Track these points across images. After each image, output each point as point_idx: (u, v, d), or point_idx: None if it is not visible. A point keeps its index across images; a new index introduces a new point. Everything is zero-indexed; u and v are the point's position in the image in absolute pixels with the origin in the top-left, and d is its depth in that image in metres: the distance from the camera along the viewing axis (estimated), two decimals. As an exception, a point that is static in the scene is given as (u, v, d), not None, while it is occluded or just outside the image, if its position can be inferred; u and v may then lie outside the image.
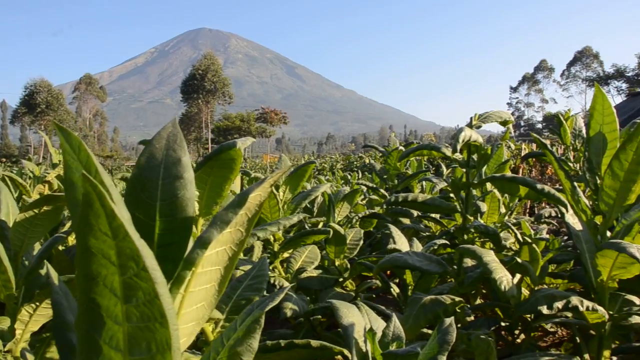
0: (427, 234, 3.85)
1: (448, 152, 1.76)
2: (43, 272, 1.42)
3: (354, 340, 1.06)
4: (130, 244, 0.49)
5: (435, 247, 2.53)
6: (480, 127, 1.70)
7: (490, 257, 1.59)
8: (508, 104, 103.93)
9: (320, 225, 3.34)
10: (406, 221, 3.93)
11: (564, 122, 3.29)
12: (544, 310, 1.60)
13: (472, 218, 1.90)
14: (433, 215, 3.95)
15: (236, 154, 1.34)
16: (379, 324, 1.20)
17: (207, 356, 0.69)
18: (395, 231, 2.48)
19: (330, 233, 2.18)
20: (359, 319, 1.13)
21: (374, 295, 3.39)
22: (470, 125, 1.72)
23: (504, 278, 1.52)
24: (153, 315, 0.52)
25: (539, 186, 1.67)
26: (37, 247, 1.54)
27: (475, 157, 1.79)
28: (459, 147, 1.51)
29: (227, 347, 0.69)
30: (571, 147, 3.29)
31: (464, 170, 1.85)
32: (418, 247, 2.51)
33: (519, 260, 1.86)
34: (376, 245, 3.94)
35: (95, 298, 0.54)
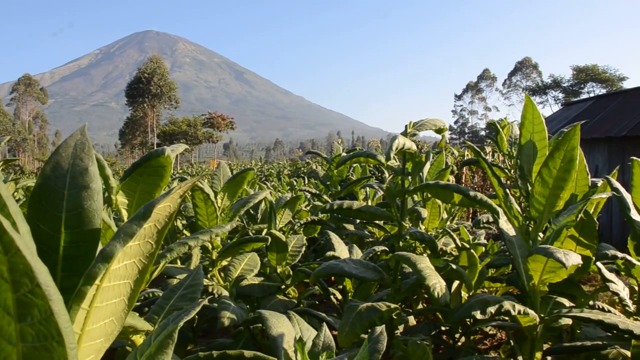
0: (371, 239, 3.88)
1: (383, 159, 1.78)
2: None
3: (283, 350, 1.05)
4: (23, 260, 0.46)
5: (377, 253, 2.55)
6: (415, 134, 1.72)
7: (424, 263, 1.61)
8: (453, 111, 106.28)
9: (264, 233, 3.31)
10: (350, 227, 3.95)
11: (501, 130, 3.38)
12: (478, 315, 1.62)
13: (407, 225, 1.92)
14: (377, 221, 4.00)
15: (166, 161, 1.31)
16: (311, 334, 1.20)
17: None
18: (334, 238, 2.48)
19: (268, 240, 2.16)
20: (289, 329, 1.12)
21: (317, 302, 3.38)
22: (405, 133, 1.73)
23: (438, 284, 1.54)
24: (50, 333, 0.49)
25: (471, 193, 1.70)
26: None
27: (410, 164, 1.81)
28: (392, 155, 1.52)
29: (141, 363, 0.66)
30: (507, 155, 3.38)
31: (400, 177, 1.87)
32: (358, 253, 2.52)
33: (453, 266, 1.89)
34: (320, 251, 3.94)
35: (-13, 316, 0.50)
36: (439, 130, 1.82)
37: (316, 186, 5.84)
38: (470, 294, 2.07)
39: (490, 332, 3.01)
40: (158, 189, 1.37)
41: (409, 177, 1.80)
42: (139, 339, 1.40)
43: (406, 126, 1.75)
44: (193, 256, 2.51)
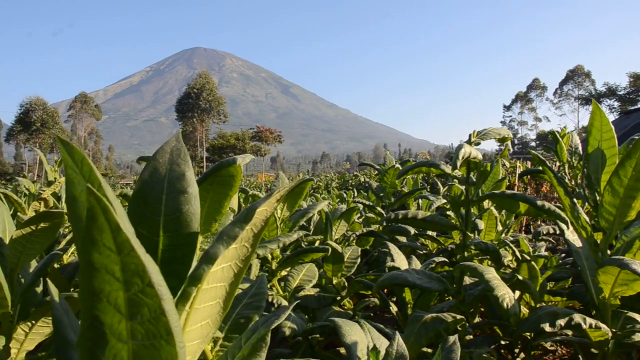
0: (424, 252, 3.84)
1: (447, 169, 1.76)
2: (39, 290, 1.40)
3: (357, 359, 1.04)
4: (136, 259, 0.48)
5: (434, 265, 2.52)
6: (479, 144, 1.70)
7: (491, 274, 1.58)
8: (502, 122, 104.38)
9: (317, 244, 3.32)
10: (403, 239, 3.91)
11: (560, 139, 3.30)
12: (547, 328, 1.58)
13: (472, 235, 1.89)
14: (430, 232, 3.95)
15: (235, 171, 1.33)
16: (382, 342, 1.19)
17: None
18: (393, 249, 2.46)
19: (329, 251, 2.16)
20: (361, 337, 1.12)
21: (372, 314, 3.36)
22: (469, 142, 1.71)
23: (507, 295, 1.51)
24: (159, 332, 0.50)
25: (539, 203, 1.67)
26: (34, 264, 1.52)
27: (474, 174, 1.78)
28: (459, 164, 1.50)
29: (231, 365, 0.67)
30: (567, 165, 3.29)
31: (463, 187, 1.84)
32: (417, 264, 2.50)
33: (520, 277, 1.85)
34: (373, 263, 3.92)
35: (98, 315, 0.52)
36: (502, 140, 1.79)
37: (367, 198, 5.81)
38: (537, 306, 2.01)
39: (550, 348, 2.92)
40: (227, 198, 1.39)
41: (471, 187, 1.78)
42: (206, 346, 1.42)
43: (470, 135, 1.73)
44: (252, 266, 2.53)
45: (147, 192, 0.62)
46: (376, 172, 4.36)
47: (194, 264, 0.63)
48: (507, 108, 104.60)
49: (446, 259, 2.49)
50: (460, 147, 1.54)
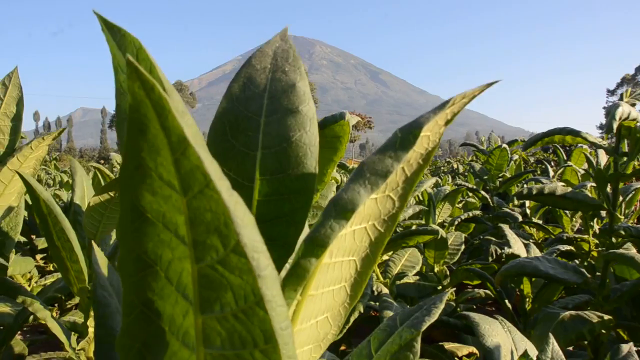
0: (532, 241, 3.50)
1: (590, 137, 1.45)
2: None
3: (502, 368, 0.79)
4: (214, 204, 0.26)
5: (557, 253, 2.20)
6: (634, 105, 1.38)
7: (654, 266, 1.27)
8: (604, 107, 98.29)
9: (413, 228, 3.07)
10: (505, 227, 3.60)
11: None
12: None
13: (621, 217, 1.56)
14: (536, 220, 3.59)
15: (343, 130, 1.10)
16: (526, 346, 0.93)
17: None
18: (510, 234, 2.17)
19: (439, 234, 1.90)
20: (504, 338, 0.86)
21: (474, 307, 3.07)
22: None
23: (675, 294, 1.20)
24: (251, 335, 0.28)
25: None
26: (114, 236, 1.37)
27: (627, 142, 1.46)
28: (615, 126, 1.20)
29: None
30: None
31: (609, 158, 1.53)
32: (536, 252, 2.19)
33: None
34: (474, 251, 3.64)
35: (152, 301, 0.31)
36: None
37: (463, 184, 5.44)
38: None
39: None
40: (331, 164, 1.17)
41: (622, 159, 1.45)
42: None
43: (622, 95, 1.42)
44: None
45: (237, 113, 0.40)
46: (480, 152, 4.02)
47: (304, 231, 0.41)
48: (611, 92, 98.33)
49: (572, 248, 2.17)
50: (616, 105, 1.24)
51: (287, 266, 0.35)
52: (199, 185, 0.26)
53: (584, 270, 1.48)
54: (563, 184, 3.37)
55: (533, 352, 0.87)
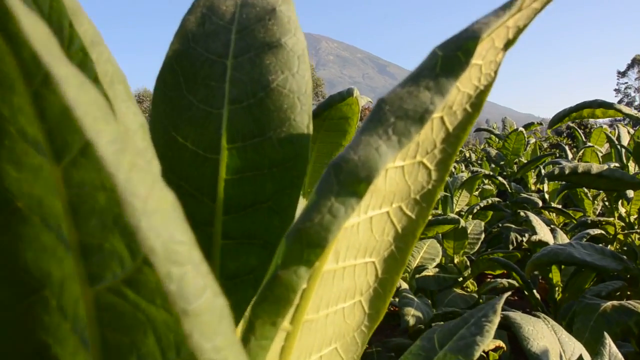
0: (551, 227, 3.38)
1: (626, 109, 1.32)
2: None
3: (553, 378, 0.66)
4: (104, 172, 0.13)
5: (588, 238, 2.06)
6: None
7: None
8: (616, 90, 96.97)
9: (431, 217, 2.94)
10: (522, 214, 3.48)
11: None
12: None
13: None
14: (555, 205, 3.47)
15: (351, 110, 0.97)
16: (575, 347, 0.79)
17: None
18: (535, 220, 2.04)
19: (460, 223, 1.78)
20: (551, 341, 0.73)
21: (496, 297, 2.93)
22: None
23: None
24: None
25: None
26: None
27: (668, 112, 1.32)
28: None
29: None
30: None
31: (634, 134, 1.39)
32: (563, 238, 2.05)
33: None
34: (493, 240, 3.52)
35: (46, 346, 0.18)
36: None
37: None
38: None
39: None
40: (339, 149, 1.04)
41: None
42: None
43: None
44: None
45: (193, 57, 0.27)
46: (496, 137, 3.89)
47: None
48: (622, 74, 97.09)
49: (602, 232, 2.03)
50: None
51: (267, 277, 0.22)
52: (79, 142, 0.14)
53: (623, 256, 1.34)
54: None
55: (584, 354, 0.74)
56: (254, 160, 0.26)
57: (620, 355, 0.73)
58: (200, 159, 0.27)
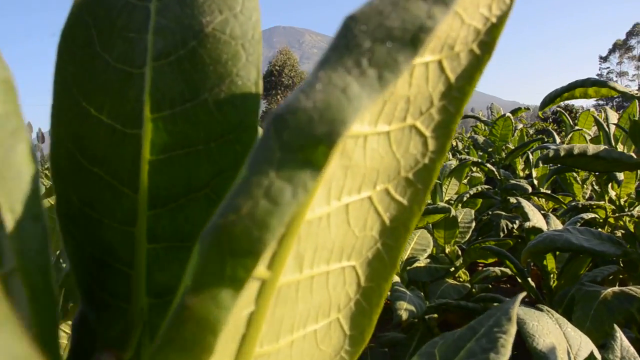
0: (543, 212, 3.36)
1: (620, 87, 1.26)
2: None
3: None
4: None
5: (581, 223, 2.01)
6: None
7: None
8: (598, 74, 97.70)
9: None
10: (513, 201, 3.47)
11: None
12: None
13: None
14: (544, 190, 3.45)
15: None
16: (582, 341, 0.73)
17: None
18: (528, 206, 1.99)
19: (451, 212, 1.72)
20: (556, 336, 0.67)
21: (489, 286, 2.93)
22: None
23: None
24: None
25: None
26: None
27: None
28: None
29: None
30: None
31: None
32: (557, 224, 2.00)
33: None
34: (483, 228, 3.50)
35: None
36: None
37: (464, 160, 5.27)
38: None
39: None
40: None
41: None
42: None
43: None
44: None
45: (107, 3, 0.20)
46: (483, 124, 3.85)
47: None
48: (604, 59, 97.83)
49: (595, 215, 1.99)
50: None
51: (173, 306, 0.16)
52: None
53: (621, 240, 1.29)
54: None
55: (594, 350, 0.68)
56: (186, 133, 0.19)
57: (632, 349, 0.67)
58: (118, 136, 0.20)
